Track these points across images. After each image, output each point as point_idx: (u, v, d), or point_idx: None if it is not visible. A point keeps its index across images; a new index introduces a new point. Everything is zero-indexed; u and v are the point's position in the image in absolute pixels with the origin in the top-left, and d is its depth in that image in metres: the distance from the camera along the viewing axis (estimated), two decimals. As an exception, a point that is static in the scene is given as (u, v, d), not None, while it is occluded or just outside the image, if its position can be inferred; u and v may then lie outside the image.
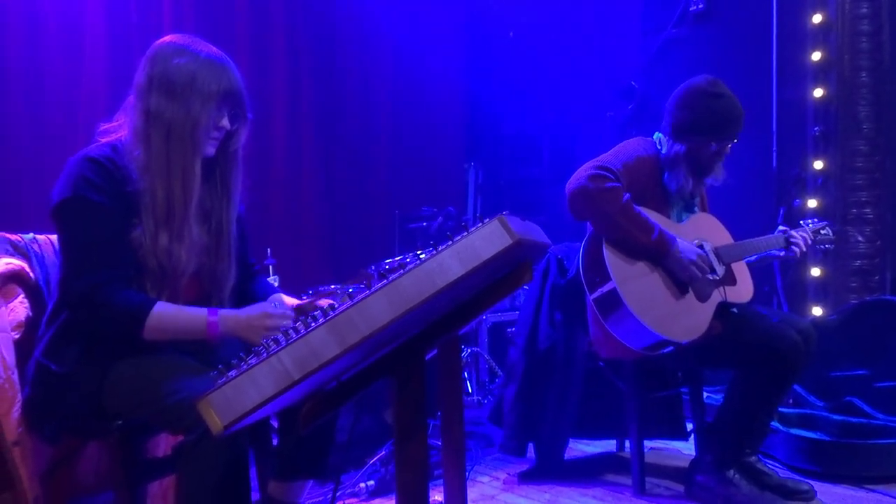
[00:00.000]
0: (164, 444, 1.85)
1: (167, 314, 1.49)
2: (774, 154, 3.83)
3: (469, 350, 3.87)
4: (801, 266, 3.59)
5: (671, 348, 2.26)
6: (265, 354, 1.04)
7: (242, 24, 3.83)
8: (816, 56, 3.56)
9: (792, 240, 2.54)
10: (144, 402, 1.46)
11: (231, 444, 1.37)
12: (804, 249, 2.56)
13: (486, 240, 1.17)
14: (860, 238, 3.48)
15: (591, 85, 4.91)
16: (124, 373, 1.50)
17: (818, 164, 3.57)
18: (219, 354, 1.60)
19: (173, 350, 1.56)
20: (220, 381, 1.03)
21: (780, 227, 2.63)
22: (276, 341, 1.08)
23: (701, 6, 4.23)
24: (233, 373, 1.04)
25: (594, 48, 4.89)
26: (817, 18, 3.56)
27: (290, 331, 1.09)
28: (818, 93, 3.57)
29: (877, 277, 3.47)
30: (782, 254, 2.55)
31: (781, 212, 3.77)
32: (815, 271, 3.56)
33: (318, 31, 4.18)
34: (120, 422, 1.52)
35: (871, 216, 3.48)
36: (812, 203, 3.59)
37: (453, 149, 5.01)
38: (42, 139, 3.01)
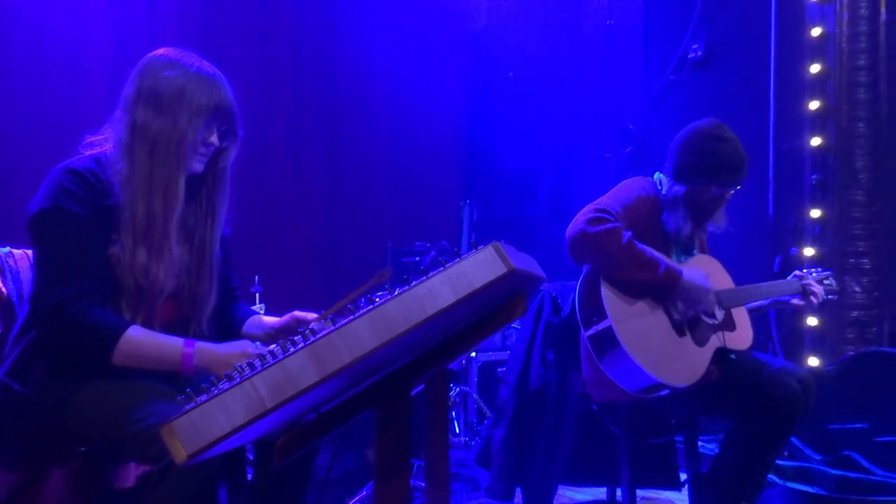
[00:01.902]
0: (134, 475, 1.75)
1: (140, 340, 1.42)
2: (771, 202, 3.82)
3: (458, 389, 3.78)
4: (798, 315, 3.54)
5: (666, 392, 2.18)
6: (238, 379, 0.97)
7: (247, 52, 3.85)
8: (814, 105, 3.57)
9: (810, 288, 2.48)
10: (110, 428, 1.37)
11: (200, 476, 1.28)
12: (820, 301, 2.50)
13: (479, 267, 1.11)
14: (857, 288, 3.43)
15: (590, 127, 4.93)
16: (91, 395, 1.42)
17: (815, 213, 3.55)
18: (193, 380, 1.52)
19: (146, 375, 1.48)
20: (187, 406, 0.96)
21: (796, 273, 2.58)
22: (252, 366, 1.00)
23: (700, 53, 4.27)
24: (202, 398, 0.97)
25: (593, 90, 4.92)
26: (815, 68, 3.58)
27: (267, 354, 1.02)
28: (816, 141, 3.56)
29: (874, 329, 3.41)
30: (799, 302, 2.48)
31: (777, 260, 3.74)
32: (812, 321, 3.51)
33: (320, 63, 4.21)
34: (84, 448, 1.44)
35: (869, 266, 3.44)
36: (809, 252, 3.55)
37: (449, 185, 5.00)
38: (23, 150, 2.99)
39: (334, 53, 4.30)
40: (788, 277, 2.56)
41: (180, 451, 0.93)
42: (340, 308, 1.26)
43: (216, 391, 0.97)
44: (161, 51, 1.55)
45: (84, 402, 1.42)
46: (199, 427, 0.94)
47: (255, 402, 0.95)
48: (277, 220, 3.97)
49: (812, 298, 2.48)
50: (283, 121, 4.02)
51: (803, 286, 2.50)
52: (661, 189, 2.41)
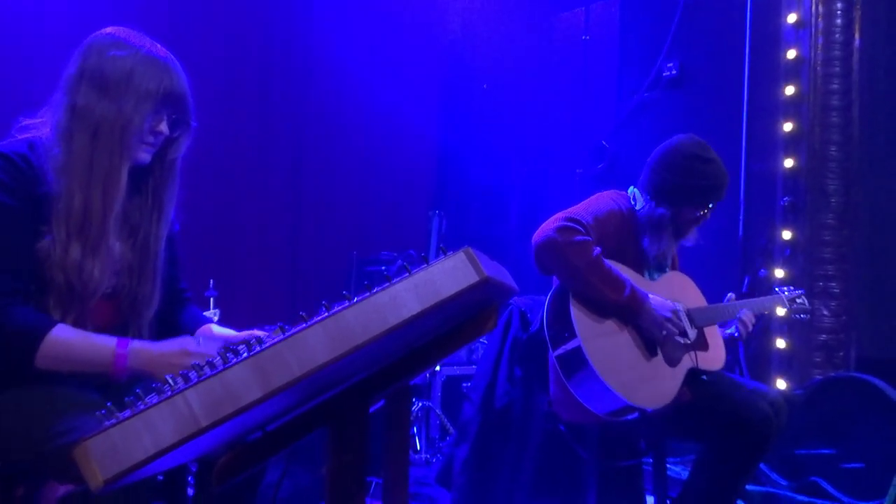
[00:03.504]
0: (54, 496, 1.59)
1: (67, 340, 1.28)
2: (741, 222, 3.80)
3: (420, 404, 3.66)
4: (766, 337, 3.51)
5: (636, 415, 2.11)
6: (168, 393, 0.84)
7: (212, 49, 3.73)
8: (788, 127, 3.57)
9: (739, 314, 2.34)
10: (28, 443, 1.23)
11: (129, 498, 1.15)
12: (748, 330, 2.37)
13: (448, 275, 1.01)
14: (825, 312, 3.42)
15: (563, 142, 4.90)
16: (7, 406, 1.28)
17: (786, 235, 3.53)
18: (132, 390, 1.38)
19: (75, 382, 1.34)
20: (106, 423, 0.83)
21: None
22: (186, 378, 0.88)
23: (675, 72, 4.26)
24: (125, 413, 0.84)
25: (567, 106, 4.89)
26: (790, 90, 3.58)
27: (205, 366, 0.90)
28: (788, 163, 3.56)
29: (841, 353, 3.40)
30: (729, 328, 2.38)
31: (746, 280, 3.72)
32: (780, 343, 3.48)
33: (289, 65, 4.13)
34: (-1, 465, 1.29)
35: (837, 290, 3.43)
36: (779, 273, 3.53)
37: (418, 195, 4.93)
38: None
39: (305, 56, 4.21)
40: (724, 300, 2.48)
41: (95, 476, 0.80)
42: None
43: (142, 406, 0.84)
44: (109, 30, 1.43)
45: (0, 413, 1.28)
46: (119, 448, 0.81)
47: (187, 420, 0.83)
48: (238, 221, 3.84)
49: (738, 325, 2.34)
50: (248, 123, 3.91)
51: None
52: (635, 204, 2.35)
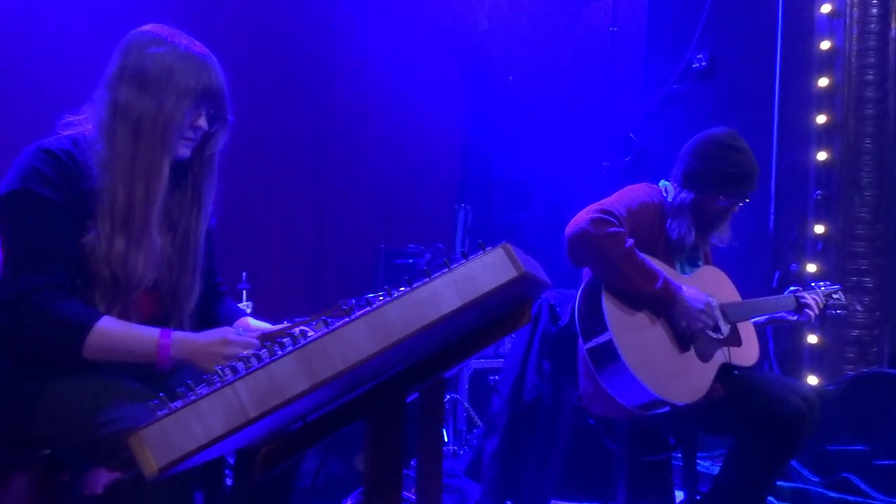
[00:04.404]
0: (102, 481, 1.64)
1: (113, 331, 1.31)
2: (772, 217, 3.75)
3: (448, 396, 3.68)
4: (797, 332, 3.47)
5: (667, 409, 2.10)
6: (218, 384, 0.87)
7: (238, 46, 3.76)
8: (821, 119, 3.51)
9: (802, 301, 2.41)
10: (76, 431, 1.27)
11: (174, 485, 1.18)
12: (817, 313, 2.42)
13: (487, 270, 1.02)
14: (859, 307, 3.36)
15: (589, 134, 4.86)
16: (57, 394, 1.31)
17: (819, 229, 3.48)
18: (173, 380, 1.42)
19: (118, 371, 1.37)
20: (159, 413, 0.86)
21: (792, 288, 2.50)
22: (234, 369, 0.90)
23: (704, 63, 4.20)
24: (177, 403, 0.86)
25: (594, 98, 4.84)
26: (823, 82, 3.52)
27: (252, 358, 0.92)
28: (821, 156, 3.50)
29: (875, 349, 3.34)
30: (794, 318, 2.41)
31: (777, 276, 3.67)
32: (812, 338, 3.43)
33: (316, 61, 4.14)
34: (48, 451, 1.33)
35: (871, 285, 3.37)
36: (811, 268, 3.48)
37: (445, 188, 4.93)
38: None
39: (330, 50, 4.23)
40: (784, 293, 2.48)
41: (150, 464, 0.83)
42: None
43: (193, 397, 0.86)
44: (147, 27, 1.45)
45: (49, 401, 1.31)
46: (172, 437, 0.83)
47: (236, 411, 0.85)
48: (268, 216, 3.89)
49: (807, 312, 2.39)
50: (275, 116, 3.94)
51: (797, 300, 2.42)
52: (667, 197, 2.33)
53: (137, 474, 1.15)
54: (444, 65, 4.90)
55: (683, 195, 2.26)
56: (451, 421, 3.75)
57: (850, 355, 3.34)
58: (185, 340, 1.33)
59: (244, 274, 2.89)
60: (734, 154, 2.23)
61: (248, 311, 2.53)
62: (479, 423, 3.64)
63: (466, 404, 3.76)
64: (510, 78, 5.29)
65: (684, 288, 2.12)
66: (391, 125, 4.56)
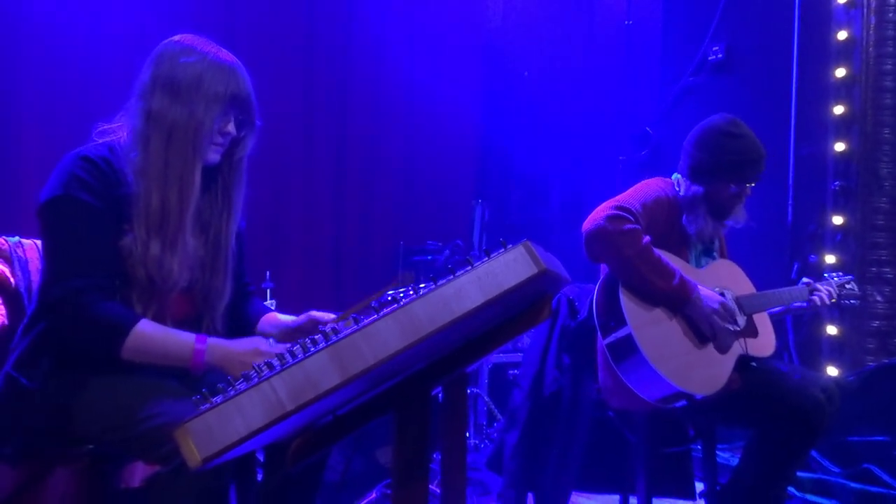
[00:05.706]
0: (141, 474, 1.70)
1: (150, 334, 1.37)
2: (790, 208, 3.74)
3: (468, 390, 3.72)
4: (817, 323, 3.47)
5: (685, 402, 2.12)
6: (256, 380, 0.92)
7: (258, 49, 3.82)
8: (839, 110, 3.50)
9: (813, 288, 2.42)
10: (117, 426, 1.33)
11: (211, 479, 1.23)
12: (825, 302, 2.43)
13: (509, 267, 1.06)
14: (879, 298, 3.36)
15: (605, 129, 4.86)
16: (98, 392, 1.37)
17: (838, 220, 3.47)
18: (205, 379, 1.47)
19: (155, 370, 1.43)
20: (202, 408, 0.91)
21: (804, 280, 2.52)
22: (270, 366, 0.95)
23: (720, 56, 4.19)
24: (218, 399, 0.92)
25: (610, 92, 4.85)
26: (841, 72, 3.51)
27: (287, 354, 0.97)
28: (839, 147, 3.49)
29: (895, 340, 3.34)
30: (806, 305, 2.44)
31: (795, 267, 3.67)
32: (832, 329, 3.43)
33: (334, 62, 4.17)
34: (90, 446, 1.39)
35: (891, 276, 3.37)
36: (830, 259, 3.48)
37: (462, 184, 4.95)
38: (35, 138, 2.97)
39: (348, 50, 4.26)
40: (799, 284, 2.49)
41: (194, 455, 0.88)
42: (360, 309, 1.20)
43: (233, 392, 0.92)
44: (177, 37, 1.50)
45: (91, 398, 1.37)
46: (215, 430, 0.88)
47: (274, 405, 0.90)
48: (288, 216, 3.94)
49: (814, 297, 2.41)
50: (294, 116, 3.98)
51: (810, 290, 2.43)
52: (679, 190, 2.35)
53: (176, 467, 1.21)
54: (460, 62, 4.92)
55: (695, 189, 2.28)
56: (471, 415, 3.79)
57: (870, 346, 3.34)
58: (219, 347, 1.38)
59: (267, 273, 2.94)
60: (736, 141, 2.24)
61: (273, 309, 2.59)
62: (498, 416, 3.68)
63: (486, 398, 3.80)
64: (525, 74, 5.30)
65: (700, 287, 2.14)
66: (409, 124, 4.59)
